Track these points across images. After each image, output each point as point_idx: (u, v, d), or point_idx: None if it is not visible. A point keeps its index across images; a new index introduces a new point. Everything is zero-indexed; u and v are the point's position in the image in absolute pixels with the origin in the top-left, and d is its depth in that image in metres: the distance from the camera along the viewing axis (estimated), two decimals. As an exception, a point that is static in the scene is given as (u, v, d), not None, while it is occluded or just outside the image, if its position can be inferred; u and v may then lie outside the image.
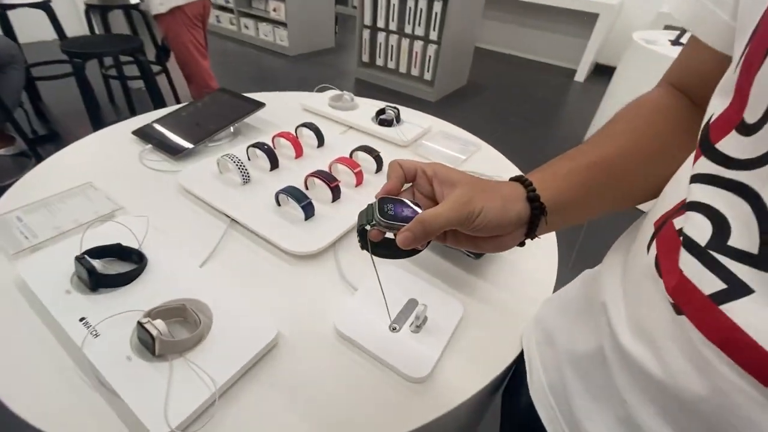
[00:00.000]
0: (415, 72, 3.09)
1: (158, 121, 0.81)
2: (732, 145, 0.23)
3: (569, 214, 0.34)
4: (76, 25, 3.84)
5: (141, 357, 0.38)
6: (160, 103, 2.06)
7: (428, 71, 3.01)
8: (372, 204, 0.31)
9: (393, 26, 2.98)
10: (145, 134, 0.77)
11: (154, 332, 0.38)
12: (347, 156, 0.71)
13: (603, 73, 3.65)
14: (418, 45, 2.95)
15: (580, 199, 0.33)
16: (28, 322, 0.43)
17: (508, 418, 0.49)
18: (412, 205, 0.31)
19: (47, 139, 2.24)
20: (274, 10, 3.69)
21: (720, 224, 0.22)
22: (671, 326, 0.24)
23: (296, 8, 3.61)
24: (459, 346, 0.44)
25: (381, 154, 0.71)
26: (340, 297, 0.49)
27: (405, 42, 3.00)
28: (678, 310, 0.23)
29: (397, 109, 0.88)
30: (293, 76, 3.42)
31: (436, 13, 2.74)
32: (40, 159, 1.81)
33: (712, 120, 0.25)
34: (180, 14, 1.77)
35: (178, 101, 2.61)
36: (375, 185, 0.68)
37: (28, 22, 2.60)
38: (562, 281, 0.48)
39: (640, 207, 0.35)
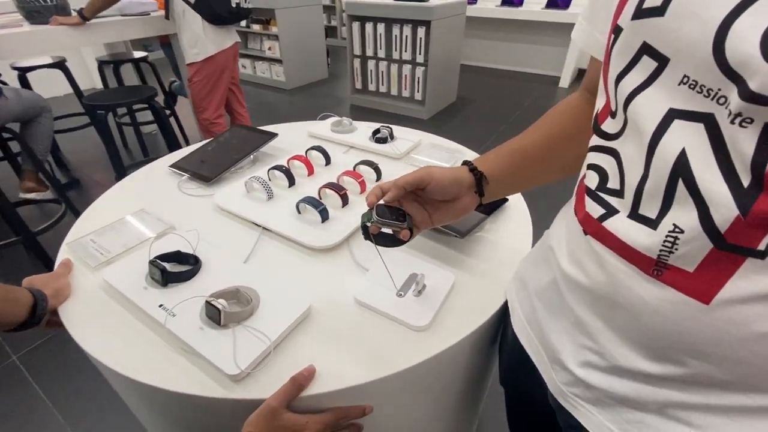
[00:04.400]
0: (406, 93, 3.28)
1: (189, 155, 0.95)
2: (609, 125, 0.36)
3: (505, 182, 0.50)
4: (86, 80, 4.13)
5: (210, 327, 0.51)
6: (173, 143, 2.23)
7: (418, 92, 3.21)
8: (371, 209, 0.46)
9: (381, 54, 3.20)
10: (180, 167, 0.91)
11: (220, 307, 0.50)
12: (351, 170, 0.84)
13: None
14: (406, 68, 3.15)
15: (508, 173, 0.49)
16: (117, 314, 0.55)
17: (502, 361, 0.60)
18: (396, 206, 0.47)
19: (70, 186, 2.42)
20: (269, 48, 3.95)
21: (603, 175, 0.35)
22: (584, 244, 0.36)
23: (289, 45, 3.87)
24: (453, 304, 0.56)
25: (379, 165, 0.84)
26: (355, 277, 0.61)
27: (394, 67, 3.20)
28: (585, 231, 0.36)
29: (390, 128, 1.02)
30: (293, 107, 3.63)
31: (420, 39, 2.95)
32: (69, 204, 1.98)
33: (599, 110, 0.38)
34: (211, 60, 1.97)
35: (186, 140, 2.80)
36: (376, 191, 0.81)
37: (44, 80, 2.83)
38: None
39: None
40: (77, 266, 0.64)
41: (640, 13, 0.29)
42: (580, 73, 4.15)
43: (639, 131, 0.30)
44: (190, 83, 2.06)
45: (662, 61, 0.28)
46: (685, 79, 0.26)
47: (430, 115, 3.27)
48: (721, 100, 0.24)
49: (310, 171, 0.87)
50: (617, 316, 0.34)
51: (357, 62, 3.35)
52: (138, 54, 2.60)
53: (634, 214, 0.31)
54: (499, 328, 0.61)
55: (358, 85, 3.48)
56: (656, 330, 0.31)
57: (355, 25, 3.17)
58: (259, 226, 0.72)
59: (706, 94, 0.25)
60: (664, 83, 0.28)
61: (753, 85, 0.22)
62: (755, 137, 0.23)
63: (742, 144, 0.24)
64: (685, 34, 0.26)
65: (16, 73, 2.37)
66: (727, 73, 0.24)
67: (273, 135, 0.97)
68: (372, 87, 3.43)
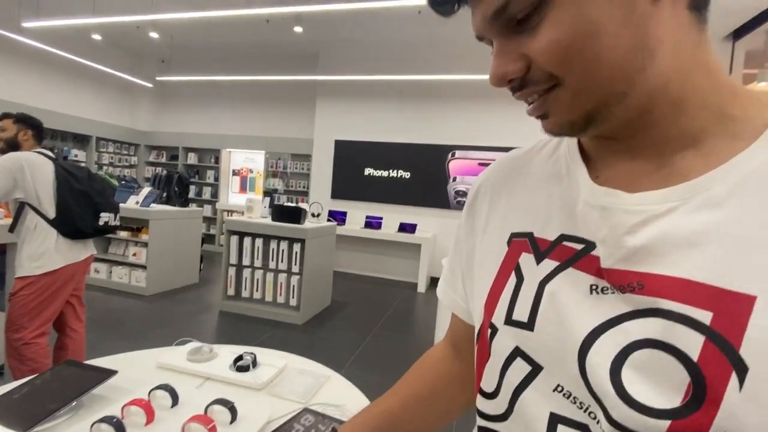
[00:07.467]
0: (281, 300, 3.33)
1: (-24, 410, 0.74)
2: (485, 406, 0.35)
3: None
4: None
5: None
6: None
7: (293, 298, 3.30)
8: None
9: (258, 263, 3.35)
10: (-46, 431, 0.69)
11: None
12: (202, 412, 0.76)
13: (437, 283, 4.56)
14: (282, 277, 3.31)
15: None
16: None
17: None
18: None
19: None
20: (134, 254, 3.77)
21: None
22: None
23: (158, 252, 3.75)
24: None
25: (235, 404, 0.79)
26: None
27: (270, 275, 3.33)
28: None
29: (254, 355, 1.01)
30: (149, 316, 3.25)
31: (296, 252, 3.26)
32: None
33: (476, 390, 0.36)
34: (51, 274, 1.74)
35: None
36: (229, 437, 0.73)
37: None
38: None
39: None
40: None
41: (510, 322, 0.31)
42: (433, 281, 4.93)
43: (529, 428, 0.30)
44: (13, 297, 1.75)
45: (536, 367, 0.29)
46: (560, 388, 0.28)
47: (305, 320, 3.29)
48: (593, 416, 0.26)
49: (150, 418, 0.76)
50: None
51: (232, 270, 3.40)
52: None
53: None
54: None
55: (231, 292, 3.43)
56: None
57: (234, 239, 3.37)
58: None
59: (579, 406, 0.26)
60: (540, 387, 0.29)
61: (614, 415, 0.24)
62: None
63: None
64: (555, 351, 0.28)
65: None
66: (593, 396, 0.25)
67: (109, 374, 0.85)
68: (246, 293, 3.41)
